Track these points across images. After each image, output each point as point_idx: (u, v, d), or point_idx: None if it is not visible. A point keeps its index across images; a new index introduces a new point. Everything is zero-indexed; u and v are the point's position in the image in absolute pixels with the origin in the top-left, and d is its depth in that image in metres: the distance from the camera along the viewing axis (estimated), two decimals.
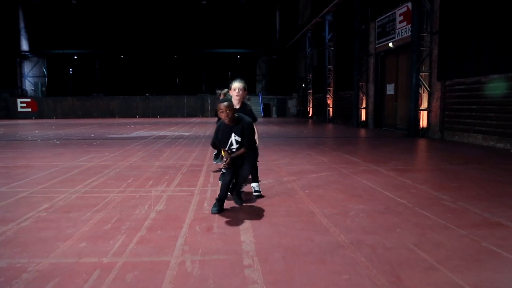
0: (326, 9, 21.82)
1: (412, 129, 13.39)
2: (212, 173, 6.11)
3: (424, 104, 13.34)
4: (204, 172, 6.20)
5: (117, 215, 3.75)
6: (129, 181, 5.45)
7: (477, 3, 10.57)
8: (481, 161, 7.48)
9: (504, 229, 3.36)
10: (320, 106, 25.77)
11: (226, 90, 6.02)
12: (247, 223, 3.47)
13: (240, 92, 4.57)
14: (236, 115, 3.87)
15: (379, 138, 13.20)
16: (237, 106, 4.47)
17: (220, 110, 3.74)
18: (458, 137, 11.62)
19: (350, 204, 4.18)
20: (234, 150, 3.93)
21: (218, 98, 6.07)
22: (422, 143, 11.10)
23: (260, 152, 8.78)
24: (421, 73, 13.30)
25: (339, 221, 3.52)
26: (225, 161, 3.84)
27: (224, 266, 2.53)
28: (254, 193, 4.53)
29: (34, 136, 13.74)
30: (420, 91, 13.39)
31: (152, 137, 12.49)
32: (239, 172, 4.02)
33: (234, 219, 3.62)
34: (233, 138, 3.89)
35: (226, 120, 3.80)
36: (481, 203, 4.24)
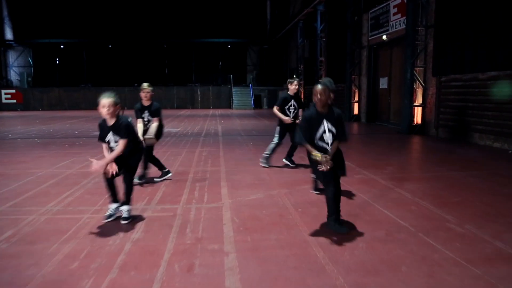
0: None
1: (406, 126, 13.07)
2: (197, 184, 5.69)
3: (419, 100, 13.02)
4: (189, 182, 5.78)
5: (88, 247, 3.33)
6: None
7: None
8: (480, 165, 7.18)
9: None
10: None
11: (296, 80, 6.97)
12: (232, 259, 3.07)
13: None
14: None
15: (372, 134, 12.88)
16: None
17: (314, 94, 3.70)
18: (454, 135, 11.33)
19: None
20: (327, 140, 3.69)
21: (287, 89, 6.94)
22: (417, 142, 10.80)
23: (249, 154, 8.46)
24: (415, 68, 12.94)
25: (336, 255, 3.15)
26: (326, 162, 3.53)
27: None
28: (122, 221, 4.08)
29: (16, 133, 13.17)
30: (414, 86, 13.05)
31: None
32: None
33: (219, 251, 3.23)
34: (326, 125, 3.68)
35: (318, 106, 3.68)
36: (489, 225, 3.90)
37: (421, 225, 3.90)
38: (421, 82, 12.86)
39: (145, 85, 5.78)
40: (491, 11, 9.55)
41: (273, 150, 6.91)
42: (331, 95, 4.63)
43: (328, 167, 3.51)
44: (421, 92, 12.94)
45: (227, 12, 35.85)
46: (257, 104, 32.53)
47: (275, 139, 6.80)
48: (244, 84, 35.47)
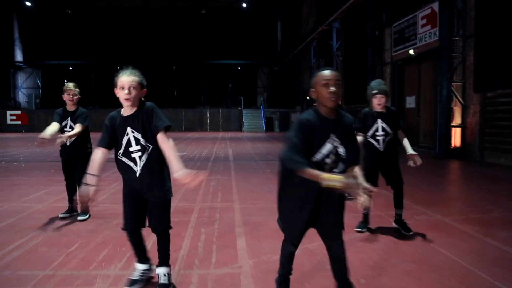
0: (334, 15, 20.11)
1: (443, 149, 11.45)
2: (203, 230, 4.11)
3: (457, 120, 11.44)
4: (191, 228, 4.18)
5: None
6: (70, 250, 3.47)
7: None
8: None
9: None
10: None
11: None
12: None
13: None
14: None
15: (403, 160, 11.23)
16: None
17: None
18: (504, 159, 9.69)
19: None
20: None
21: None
22: (464, 168, 9.16)
23: (268, 183, 6.88)
24: (452, 84, 11.42)
25: None
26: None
27: None
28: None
29: (3, 157, 11.80)
30: (451, 104, 11.49)
31: None
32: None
33: None
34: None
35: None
36: None
37: None
38: (460, 99, 11.31)
39: (70, 85, 4.64)
40: None
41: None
42: (381, 98, 3.85)
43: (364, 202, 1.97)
44: (460, 111, 11.38)
45: (237, 33, 35.02)
46: (269, 127, 31.11)
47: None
48: (254, 106, 34.20)
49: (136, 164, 2.52)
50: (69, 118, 4.60)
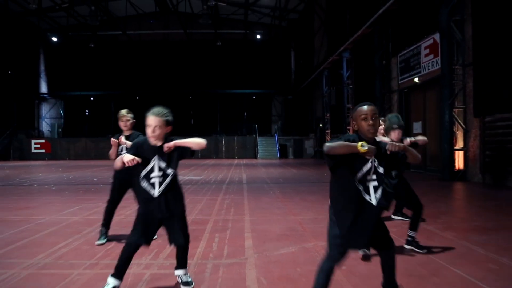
0: (344, 46, 21.08)
1: (447, 172, 11.93)
2: (216, 234, 4.82)
3: (460, 144, 11.96)
4: (207, 233, 4.91)
5: None
6: (109, 247, 4.22)
7: None
8: None
9: None
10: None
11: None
12: None
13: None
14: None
15: (410, 182, 11.76)
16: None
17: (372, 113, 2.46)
18: (504, 180, 10.14)
19: None
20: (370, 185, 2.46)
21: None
22: (462, 188, 9.65)
23: (277, 202, 7.58)
24: (454, 109, 12.02)
25: None
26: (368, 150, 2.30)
27: None
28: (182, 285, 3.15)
29: (34, 180, 12.76)
30: (454, 129, 12.05)
31: None
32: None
33: None
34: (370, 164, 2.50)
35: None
36: None
37: None
38: (461, 124, 11.88)
39: (123, 112, 4.76)
40: None
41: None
42: (399, 132, 4.05)
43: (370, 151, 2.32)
44: (462, 135, 11.93)
45: (252, 63, 36.36)
46: (283, 153, 31.80)
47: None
48: (269, 134, 35.06)
49: (154, 187, 2.94)
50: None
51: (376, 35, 17.77)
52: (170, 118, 3.03)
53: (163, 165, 2.97)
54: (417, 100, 15.85)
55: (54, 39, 35.01)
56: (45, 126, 37.69)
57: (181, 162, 3.03)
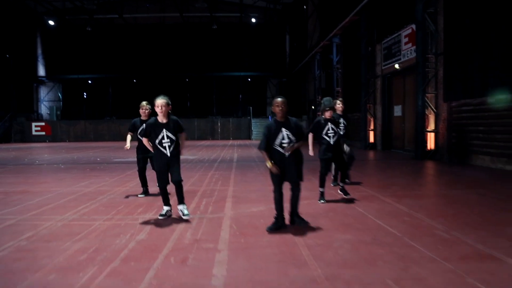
0: (333, 31, 21.96)
1: (419, 151, 13.14)
2: (204, 199, 6.03)
3: (431, 126, 13.14)
4: (197, 198, 6.14)
5: (97, 245, 3.69)
6: (119, 208, 5.42)
7: (481, 24, 10.49)
8: (485, 185, 7.25)
9: (495, 262, 3.19)
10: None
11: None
12: (224, 255, 3.38)
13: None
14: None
15: (385, 160, 13.00)
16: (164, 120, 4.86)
17: (276, 104, 4.26)
18: (467, 159, 11.36)
19: (337, 234, 4.05)
20: (285, 145, 4.20)
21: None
22: (427, 166, 10.87)
23: (260, 177, 8.75)
24: (427, 95, 13.15)
25: (320, 253, 3.40)
26: (272, 168, 4.17)
27: None
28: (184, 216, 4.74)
29: (42, 160, 13.92)
30: (426, 112, 13.21)
31: None
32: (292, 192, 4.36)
33: (212, 249, 3.54)
34: (284, 133, 4.20)
35: (279, 116, 4.26)
36: (476, 232, 4.06)
37: (409, 232, 4.09)
38: (433, 108, 13.03)
39: (143, 103, 6.50)
40: (498, 37, 9.80)
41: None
42: (330, 112, 5.84)
43: (275, 171, 4.16)
44: (433, 118, 13.09)
45: (247, 47, 37.16)
46: None
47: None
48: (264, 116, 36.13)
49: (165, 149, 4.69)
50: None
51: (362, 22, 18.71)
52: (169, 101, 4.83)
53: (170, 134, 4.67)
54: (397, 85, 16.96)
55: (51, 22, 35.56)
56: (43, 109, 38.53)
57: None
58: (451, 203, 5.64)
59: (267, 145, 4.23)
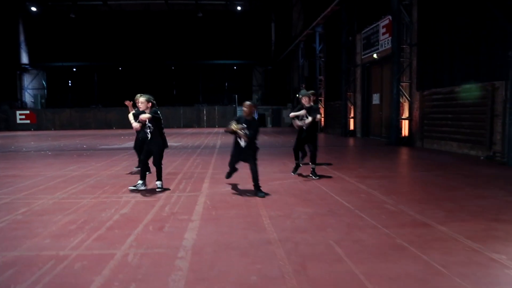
0: (316, 21, 22.41)
1: (394, 138, 13.82)
2: (184, 180, 6.55)
3: (405, 113, 13.79)
4: (177, 180, 6.65)
5: (85, 217, 4.19)
6: (105, 188, 5.90)
7: (450, 18, 11.08)
8: (445, 168, 7.90)
9: (425, 228, 3.78)
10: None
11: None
12: (196, 223, 3.91)
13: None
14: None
15: (361, 146, 13.64)
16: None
17: (245, 106, 5.56)
18: (436, 145, 12.05)
19: (298, 207, 4.61)
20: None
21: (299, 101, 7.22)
22: (399, 152, 11.53)
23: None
24: (401, 83, 13.77)
25: (279, 223, 3.95)
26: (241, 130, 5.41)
27: (160, 257, 2.97)
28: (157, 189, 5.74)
29: (29, 148, 14.22)
30: (401, 100, 13.85)
31: None
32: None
33: (186, 220, 4.07)
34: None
35: (245, 114, 5.52)
36: (420, 206, 4.66)
37: (362, 205, 4.68)
38: (407, 96, 13.67)
39: (137, 96, 6.82)
40: (464, 31, 10.42)
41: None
42: (305, 99, 6.71)
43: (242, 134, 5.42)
44: (408, 106, 13.74)
45: (233, 34, 37.34)
46: (261, 123, 33.46)
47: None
48: None
49: (147, 134, 5.73)
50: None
51: (343, 12, 19.19)
52: (147, 98, 5.80)
53: (150, 124, 5.69)
54: (375, 74, 17.57)
55: (33, 9, 35.15)
56: (28, 97, 38.22)
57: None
58: (408, 183, 6.26)
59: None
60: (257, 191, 5.36)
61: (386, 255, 3.06)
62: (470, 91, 10.41)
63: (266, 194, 5.29)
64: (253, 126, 5.52)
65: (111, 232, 3.66)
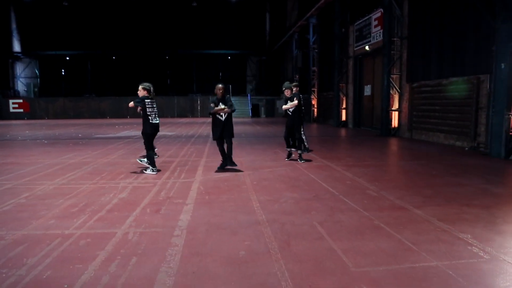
0: (310, 12, 22.57)
1: (384, 129, 14.15)
2: (178, 168, 6.82)
3: (395, 105, 14.12)
4: (172, 167, 6.92)
5: (85, 201, 4.46)
6: (103, 175, 6.16)
7: (439, 12, 11.36)
8: (430, 158, 8.24)
9: (402, 212, 4.10)
10: (306, 107, 26.52)
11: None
12: (190, 207, 4.20)
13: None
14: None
15: (352, 137, 13.97)
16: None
17: (218, 88, 6.45)
18: (425, 136, 12.40)
19: (287, 193, 4.91)
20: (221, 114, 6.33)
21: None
22: (388, 142, 11.87)
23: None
24: (392, 76, 14.07)
25: (267, 206, 4.25)
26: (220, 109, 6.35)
27: (158, 235, 3.27)
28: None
29: (24, 136, 14.38)
30: (391, 92, 14.17)
31: (136, 137, 13.14)
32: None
33: (181, 203, 4.35)
34: (222, 105, 6.34)
35: (219, 95, 6.41)
36: (400, 192, 4.98)
37: (346, 191, 4.99)
38: (397, 88, 13.98)
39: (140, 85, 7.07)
40: (452, 25, 10.71)
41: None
42: (287, 91, 7.46)
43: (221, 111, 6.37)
44: (398, 98, 14.06)
45: (228, 24, 37.33)
46: (255, 113, 33.68)
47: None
48: (244, 94, 36.73)
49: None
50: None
51: (337, 4, 19.37)
52: (147, 86, 6.63)
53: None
54: (367, 66, 17.85)
55: None
56: (20, 86, 38.02)
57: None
58: (392, 171, 6.58)
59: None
60: (230, 162, 6.46)
61: (363, 234, 3.37)
62: (456, 84, 10.73)
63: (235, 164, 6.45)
64: (229, 101, 6.48)
65: (111, 214, 3.94)
